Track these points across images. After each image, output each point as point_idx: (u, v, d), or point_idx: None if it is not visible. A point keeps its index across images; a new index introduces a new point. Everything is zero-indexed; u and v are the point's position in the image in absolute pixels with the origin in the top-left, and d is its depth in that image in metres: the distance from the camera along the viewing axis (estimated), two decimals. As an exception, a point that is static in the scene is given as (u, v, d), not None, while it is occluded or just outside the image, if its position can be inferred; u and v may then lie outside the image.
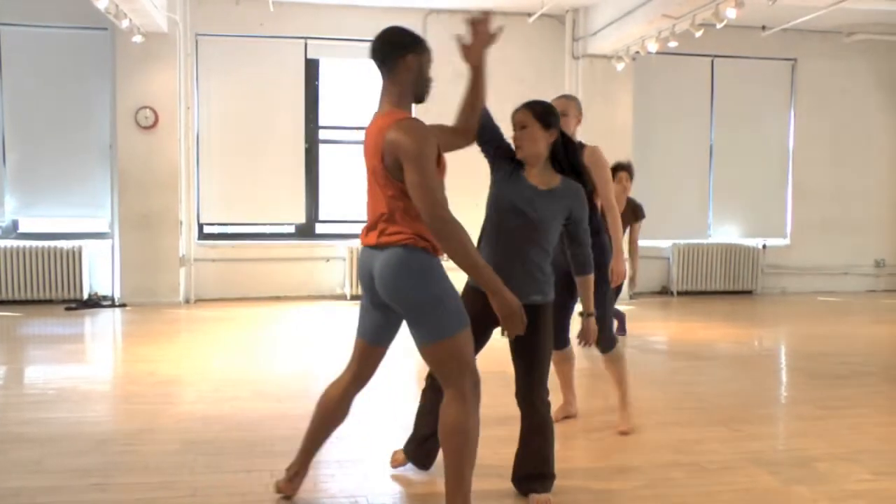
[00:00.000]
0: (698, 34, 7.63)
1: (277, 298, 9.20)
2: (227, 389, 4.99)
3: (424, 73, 2.86)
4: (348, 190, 9.67)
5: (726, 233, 10.40)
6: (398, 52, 2.82)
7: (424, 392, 3.44)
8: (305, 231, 9.52)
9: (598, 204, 4.08)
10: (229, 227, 9.52)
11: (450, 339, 2.73)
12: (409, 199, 2.66)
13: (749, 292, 10.24)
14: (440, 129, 3.01)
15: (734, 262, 10.21)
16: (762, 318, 8.85)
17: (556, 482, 3.27)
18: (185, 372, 5.52)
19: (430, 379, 3.32)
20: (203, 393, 4.93)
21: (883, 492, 3.39)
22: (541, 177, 3.17)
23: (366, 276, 2.87)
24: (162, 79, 8.59)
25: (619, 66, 8.94)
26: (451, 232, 2.59)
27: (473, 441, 2.77)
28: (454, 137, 3.06)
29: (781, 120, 10.44)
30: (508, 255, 3.11)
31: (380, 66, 2.86)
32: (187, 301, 8.90)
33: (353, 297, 9.23)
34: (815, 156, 10.34)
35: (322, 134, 9.50)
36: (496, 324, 2.93)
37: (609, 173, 4.18)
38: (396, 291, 2.74)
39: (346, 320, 7.99)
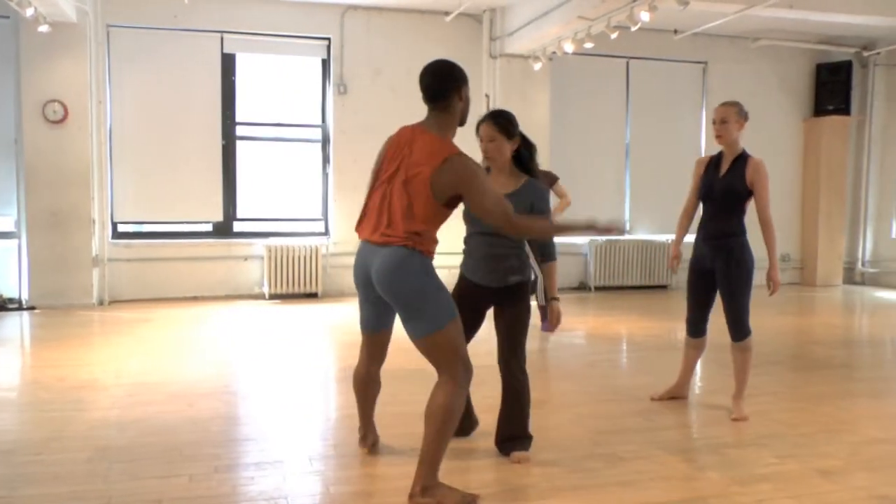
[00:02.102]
0: (613, 36, 7.82)
1: (195, 298, 9.00)
2: (143, 393, 4.85)
3: (468, 101, 3.26)
4: (266, 187, 9.56)
5: (642, 229, 10.71)
6: (454, 85, 3.17)
7: None
8: (223, 229, 9.33)
9: (746, 210, 4.42)
10: (144, 225, 9.26)
11: (440, 332, 3.07)
12: (424, 210, 3.06)
13: (664, 287, 10.57)
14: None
15: (650, 257, 10.52)
16: (676, 311, 9.08)
17: (472, 477, 3.35)
18: (98, 376, 5.34)
19: None
20: (117, 398, 4.78)
21: (787, 473, 3.57)
22: (506, 181, 3.68)
23: (363, 272, 3.23)
24: (71, 71, 8.27)
25: (537, 66, 9.09)
26: (523, 229, 3.28)
27: (455, 421, 3.11)
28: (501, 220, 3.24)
29: (694, 120, 10.81)
30: (484, 251, 3.68)
31: (433, 97, 3.18)
32: (101, 303, 8.61)
33: (272, 297, 9.12)
34: (724, 154, 10.73)
35: (239, 130, 9.32)
36: (486, 309, 3.73)
37: (768, 188, 4.34)
38: (392, 289, 3.08)
39: (264, 320, 7.88)
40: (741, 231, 4.42)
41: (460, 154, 3.10)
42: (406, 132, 3.23)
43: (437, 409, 3.06)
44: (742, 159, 4.38)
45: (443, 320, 3.08)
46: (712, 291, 4.54)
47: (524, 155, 3.74)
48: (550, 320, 3.82)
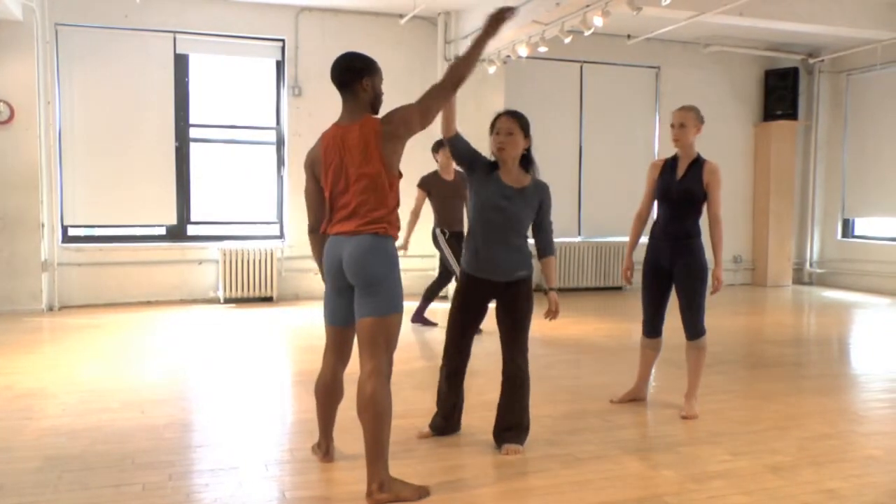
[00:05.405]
0: (567, 40, 7.89)
1: (148, 303, 8.84)
2: (95, 401, 4.75)
3: (378, 91, 3.36)
4: (220, 190, 9.44)
5: (596, 231, 10.83)
6: (357, 75, 3.29)
7: (440, 380, 4.03)
8: (176, 233, 9.18)
9: (703, 211, 4.52)
10: (96, 228, 9.06)
11: (391, 317, 3.21)
12: (384, 189, 3.19)
13: (619, 288, 10.70)
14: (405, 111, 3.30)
15: (604, 259, 10.64)
16: (631, 313, 9.17)
17: (429, 480, 3.34)
18: (48, 384, 5.21)
19: (444, 370, 3.98)
20: (68, 406, 4.67)
21: (740, 470, 3.65)
22: (514, 177, 3.81)
23: (335, 261, 3.28)
24: (17, 70, 8.06)
25: (491, 70, 9.13)
26: (449, 86, 3.28)
27: (388, 411, 3.17)
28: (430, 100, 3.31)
29: (647, 123, 10.97)
30: (493, 244, 3.77)
31: (339, 85, 3.32)
32: (51, 308, 8.40)
33: (227, 301, 9.00)
34: (677, 158, 10.91)
35: (193, 132, 9.17)
36: (487, 304, 3.88)
37: (720, 192, 4.43)
38: (364, 268, 3.17)
39: (219, 324, 7.77)
40: (697, 232, 4.51)
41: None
42: (331, 132, 3.35)
43: (368, 402, 3.15)
44: (698, 163, 4.49)
45: (397, 307, 3.24)
46: (668, 291, 4.60)
47: (530, 158, 3.88)
48: (550, 309, 3.95)
